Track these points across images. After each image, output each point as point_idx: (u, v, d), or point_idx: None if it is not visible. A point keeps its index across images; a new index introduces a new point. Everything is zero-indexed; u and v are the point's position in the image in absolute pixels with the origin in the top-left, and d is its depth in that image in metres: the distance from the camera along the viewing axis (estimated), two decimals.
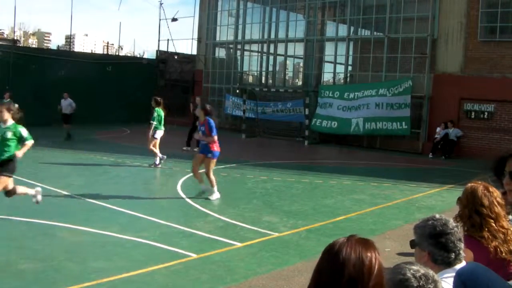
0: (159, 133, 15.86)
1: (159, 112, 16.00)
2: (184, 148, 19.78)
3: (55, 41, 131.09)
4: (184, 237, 8.34)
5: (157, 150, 15.78)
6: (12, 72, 29.24)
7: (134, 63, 37.65)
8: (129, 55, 62.91)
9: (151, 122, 15.85)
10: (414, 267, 2.34)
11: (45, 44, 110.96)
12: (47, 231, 8.37)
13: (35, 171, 13.97)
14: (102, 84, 32.17)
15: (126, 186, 13.02)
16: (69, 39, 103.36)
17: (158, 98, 16.46)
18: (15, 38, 48.49)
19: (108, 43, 56.03)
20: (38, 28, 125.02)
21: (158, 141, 15.88)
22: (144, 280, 6.50)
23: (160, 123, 15.85)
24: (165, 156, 15.93)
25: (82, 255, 7.31)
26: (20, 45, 46.22)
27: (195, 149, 19.03)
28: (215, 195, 11.40)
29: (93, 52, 47.99)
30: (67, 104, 22.25)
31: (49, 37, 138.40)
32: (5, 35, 47.62)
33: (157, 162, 15.73)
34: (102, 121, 29.75)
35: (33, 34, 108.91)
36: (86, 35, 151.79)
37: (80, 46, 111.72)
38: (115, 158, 17.32)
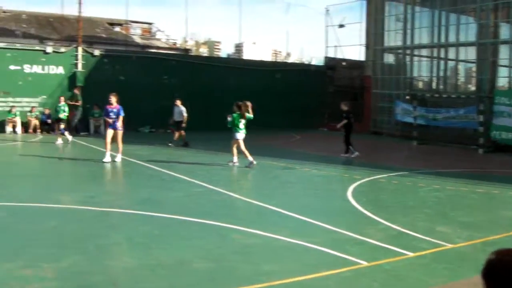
0: (239, 135, 16.55)
1: (234, 116, 16.66)
2: (343, 155, 19.79)
3: (225, 50, 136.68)
4: (354, 244, 8.29)
5: (235, 151, 16.68)
6: (184, 79, 30.98)
7: (302, 70, 38.26)
8: (297, 62, 63.95)
9: (229, 125, 16.76)
10: None
11: (215, 53, 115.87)
12: (219, 232, 8.67)
13: (208, 175, 14.74)
14: (271, 91, 33.04)
15: (296, 190, 13.20)
16: (238, 47, 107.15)
17: (239, 103, 16.95)
18: (187, 47, 51.12)
19: (276, 50, 57.27)
20: (209, 37, 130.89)
21: (241, 143, 16.52)
22: (316, 285, 6.52)
23: (238, 126, 16.55)
24: (235, 161, 16.58)
25: (253, 257, 7.48)
26: (191, 54, 48.68)
27: (353, 155, 19.06)
28: None
29: (261, 59, 49.27)
30: (178, 112, 22.62)
31: (219, 46, 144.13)
32: (178, 45, 50.22)
33: (235, 160, 16.63)
34: (271, 127, 30.47)
35: (204, 44, 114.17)
36: (254, 43, 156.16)
37: (249, 54, 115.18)
38: (285, 163, 17.66)
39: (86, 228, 8.80)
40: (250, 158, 16.32)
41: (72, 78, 28.82)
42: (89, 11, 53.69)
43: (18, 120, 26.80)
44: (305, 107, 33.72)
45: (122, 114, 16.83)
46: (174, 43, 50.22)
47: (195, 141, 22.94)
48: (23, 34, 39.68)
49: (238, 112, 16.64)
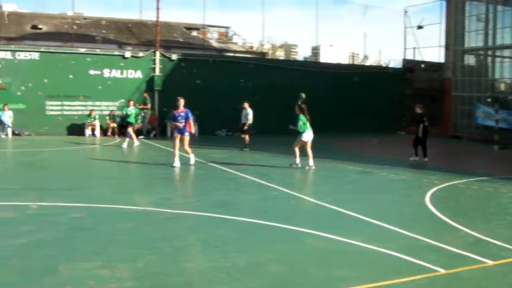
0: (307, 136, 16.76)
1: (302, 118, 16.81)
2: (412, 158, 19.37)
3: (302, 53, 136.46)
4: (431, 251, 8.02)
5: (297, 153, 16.88)
6: (260, 83, 31.05)
7: (380, 72, 37.70)
8: (374, 64, 63.13)
9: (296, 128, 16.88)
10: None
11: (292, 56, 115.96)
12: (295, 236, 8.63)
13: (284, 178, 14.72)
14: (348, 94, 32.76)
15: (372, 195, 12.93)
16: (315, 50, 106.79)
17: (302, 105, 17.14)
18: (264, 51, 51.33)
19: (353, 53, 56.75)
20: (285, 40, 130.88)
21: (309, 144, 16.83)
22: None
23: (306, 127, 16.77)
24: (298, 163, 16.83)
25: (327, 262, 7.38)
26: (268, 57, 48.90)
27: (411, 158, 18.61)
28: None
29: (338, 62, 48.97)
30: (245, 115, 22.44)
31: (295, 49, 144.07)
32: (255, 49, 50.56)
33: (297, 161, 16.85)
34: (349, 130, 30.21)
35: (281, 47, 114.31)
36: (331, 45, 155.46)
37: (326, 56, 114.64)
38: (362, 167, 17.44)
39: (162, 230, 8.92)
40: (311, 161, 16.62)
41: (149, 82, 29.46)
42: (166, 16, 54.93)
43: (97, 123, 27.60)
44: (382, 111, 33.23)
45: (190, 117, 16.82)
46: (251, 47, 50.59)
47: (271, 145, 22.98)
48: (102, 39, 40.92)
49: (302, 114, 16.81)
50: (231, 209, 10.53)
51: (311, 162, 16.60)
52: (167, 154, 19.70)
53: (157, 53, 29.93)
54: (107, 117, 28.22)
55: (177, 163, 16.47)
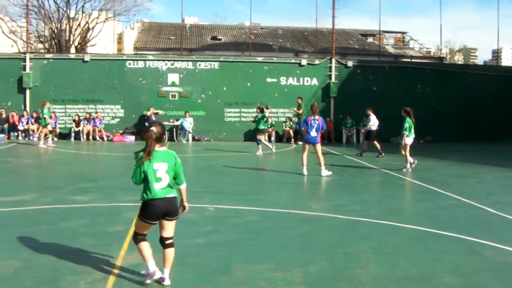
0: (409, 140, 17.28)
1: (409, 121, 17.24)
2: None
3: (481, 57, 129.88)
4: None
5: (408, 156, 17.25)
6: (438, 88, 30.05)
7: None
8: None
9: (403, 132, 17.28)
10: None
11: (471, 60, 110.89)
12: (471, 248, 8.22)
13: (462, 187, 14.28)
14: None
15: None
16: (496, 53, 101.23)
17: (408, 109, 17.51)
18: (441, 55, 49.64)
19: None
20: (464, 44, 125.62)
21: (408, 147, 17.27)
22: None
23: (410, 131, 17.26)
24: (415, 161, 17.34)
25: (506, 276, 6.96)
26: (446, 62, 47.14)
27: None
28: None
29: None
30: (370, 121, 21.98)
31: (475, 52, 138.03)
32: (432, 53, 48.98)
33: (408, 167, 17.15)
34: None
35: (459, 51, 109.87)
36: None
37: (508, 60, 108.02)
38: None
39: (334, 236, 8.89)
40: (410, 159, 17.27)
41: (325, 89, 29.66)
42: (342, 24, 54.98)
43: (273, 130, 28.25)
44: None
45: (324, 126, 16.40)
46: (428, 52, 49.15)
47: (449, 152, 22.10)
48: (279, 48, 41.95)
49: (408, 117, 17.24)
50: (405, 217, 10.30)
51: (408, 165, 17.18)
52: (342, 160, 19.67)
53: (333, 60, 30.09)
54: (284, 124, 28.87)
55: (304, 171, 15.94)
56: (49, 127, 24.93)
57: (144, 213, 6.01)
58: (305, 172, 15.91)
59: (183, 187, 6.24)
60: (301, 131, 17.40)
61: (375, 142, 21.61)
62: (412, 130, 17.33)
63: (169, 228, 6.12)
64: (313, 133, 15.95)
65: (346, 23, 71.52)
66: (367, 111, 22.48)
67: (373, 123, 21.90)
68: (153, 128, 5.93)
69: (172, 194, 6.05)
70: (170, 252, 6.13)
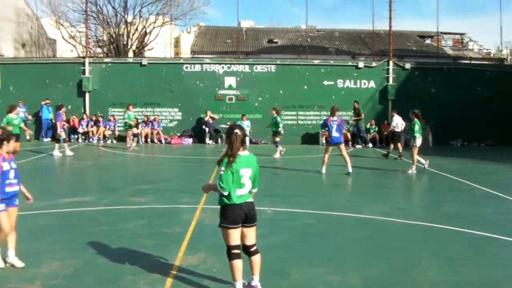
0: (418, 142, 17.12)
1: (418, 124, 17.19)
2: None
3: None
4: None
5: (418, 158, 17.31)
6: (498, 90, 29.23)
7: None
8: None
9: (414, 134, 17.08)
10: None
11: None
12: None
13: None
14: None
15: None
16: None
17: (416, 111, 17.42)
18: (502, 56, 48.43)
19: None
20: None
21: (417, 149, 17.16)
22: None
23: (420, 134, 17.16)
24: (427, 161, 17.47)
25: None
26: (507, 63, 45.87)
27: None
28: None
29: None
30: (395, 122, 21.75)
31: None
32: (492, 55, 47.72)
33: (413, 169, 17.14)
34: None
35: None
36: None
37: None
38: None
39: (393, 240, 8.79)
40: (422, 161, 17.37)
41: (383, 92, 29.31)
42: (399, 25, 54.29)
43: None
44: None
45: (344, 126, 16.73)
46: (488, 53, 47.99)
47: (507, 157, 21.55)
48: (336, 50, 41.69)
49: (417, 119, 17.21)
50: (465, 222, 10.06)
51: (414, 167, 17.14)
52: (399, 164, 19.40)
53: (391, 63, 29.71)
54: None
55: (323, 170, 16.66)
56: (134, 130, 25.89)
57: (225, 219, 5.86)
58: (323, 171, 16.64)
59: (254, 190, 6.12)
60: (323, 133, 17.60)
61: (398, 144, 21.57)
62: (421, 132, 17.27)
63: (251, 235, 6.01)
64: (334, 134, 16.47)
65: (403, 25, 70.60)
66: (392, 113, 22.77)
67: (396, 123, 21.68)
68: (237, 131, 5.87)
69: (250, 199, 5.98)
70: (257, 259, 6.03)
